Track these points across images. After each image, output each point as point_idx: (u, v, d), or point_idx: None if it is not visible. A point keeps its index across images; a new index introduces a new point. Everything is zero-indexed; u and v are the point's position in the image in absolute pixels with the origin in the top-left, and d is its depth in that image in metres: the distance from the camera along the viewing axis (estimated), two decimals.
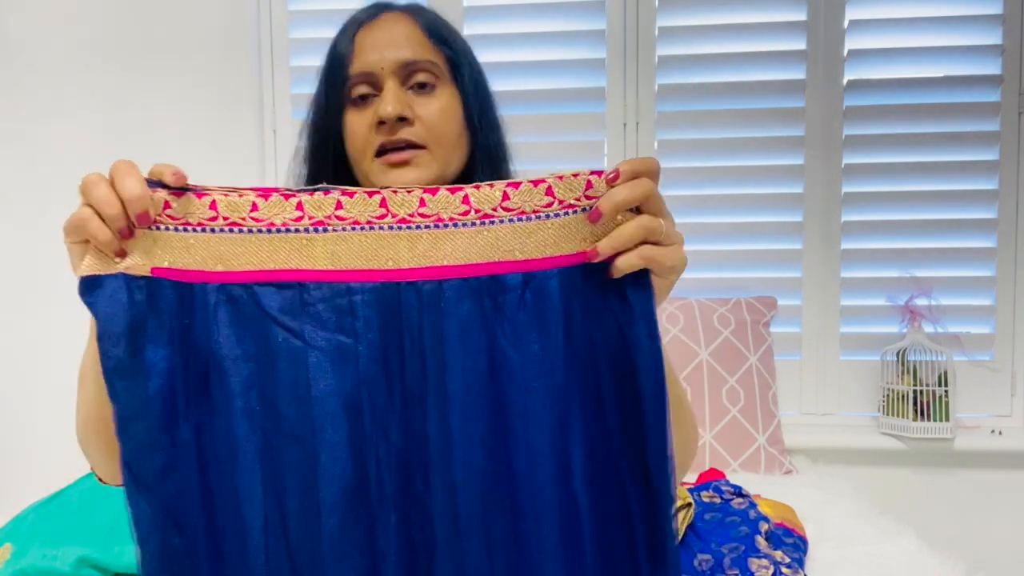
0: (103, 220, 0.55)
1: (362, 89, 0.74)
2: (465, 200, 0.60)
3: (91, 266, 0.56)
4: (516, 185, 0.60)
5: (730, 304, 1.87)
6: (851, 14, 1.89)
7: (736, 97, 1.92)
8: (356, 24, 0.76)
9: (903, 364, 1.85)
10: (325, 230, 0.60)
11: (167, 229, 0.57)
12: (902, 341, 1.86)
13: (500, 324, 0.60)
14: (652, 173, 0.60)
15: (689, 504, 1.06)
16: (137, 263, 0.57)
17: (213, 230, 0.58)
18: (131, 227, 0.55)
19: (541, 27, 1.94)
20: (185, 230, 0.57)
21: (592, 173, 0.60)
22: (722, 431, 1.74)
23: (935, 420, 1.81)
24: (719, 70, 1.92)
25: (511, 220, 0.60)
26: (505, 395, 0.59)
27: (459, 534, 0.59)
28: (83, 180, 0.56)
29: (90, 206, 0.55)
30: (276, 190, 0.60)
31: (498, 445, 0.59)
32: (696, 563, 1.02)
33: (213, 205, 0.58)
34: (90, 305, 0.56)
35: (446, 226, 0.60)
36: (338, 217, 0.60)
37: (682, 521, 1.03)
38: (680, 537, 1.00)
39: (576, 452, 0.59)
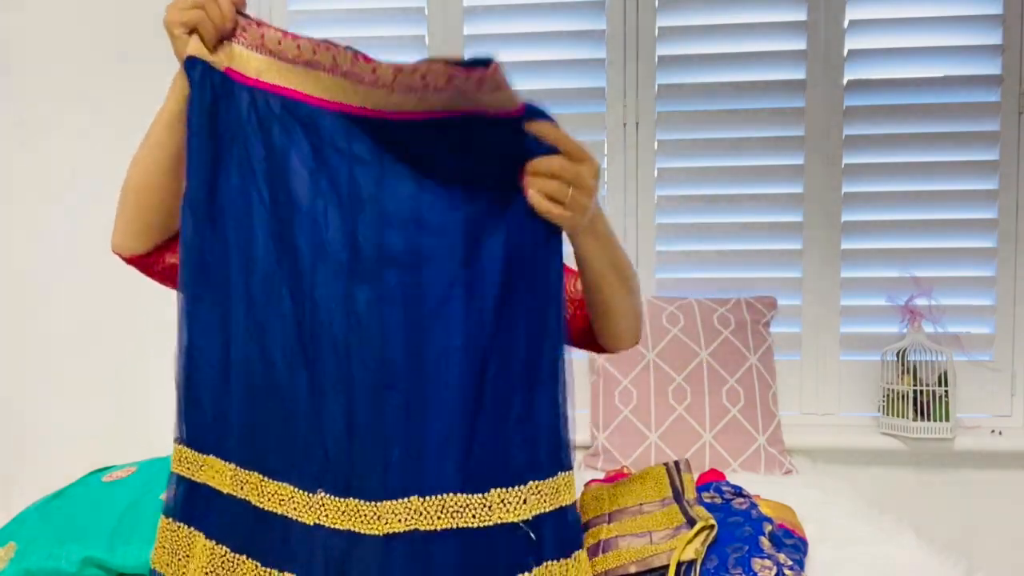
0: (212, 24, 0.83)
1: None
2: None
3: (195, 50, 0.84)
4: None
5: (730, 304, 1.87)
6: (851, 14, 1.90)
7: (736, 97, 1.92)
8: None
9: (903, 364, 1.85)
10: (315, 67, 0.83)
11: (239, 45, 0.86)
12: (902, 341, 1.86)
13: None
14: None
15: (712, 526, 1.04)
16: (219, 60, 0.85)
17: (259, 52, 0.86)
18: (230, 32, 0.85)
19: (541, 27, 1.94)
20: (248, 49, 0.86)
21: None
22: (722, 431, 1.74)
23: (935, 420, 1.82)
24: (719, 70, 1.92)
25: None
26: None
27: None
28: None
29: (203, 9, 0.82)
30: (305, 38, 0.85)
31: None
32: None
33: (262, 36, 0.85)
34: (188, 72, 0.84)
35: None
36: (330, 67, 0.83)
37: (703, 543, 1.00)
38: (701, 559, 0.98)
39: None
